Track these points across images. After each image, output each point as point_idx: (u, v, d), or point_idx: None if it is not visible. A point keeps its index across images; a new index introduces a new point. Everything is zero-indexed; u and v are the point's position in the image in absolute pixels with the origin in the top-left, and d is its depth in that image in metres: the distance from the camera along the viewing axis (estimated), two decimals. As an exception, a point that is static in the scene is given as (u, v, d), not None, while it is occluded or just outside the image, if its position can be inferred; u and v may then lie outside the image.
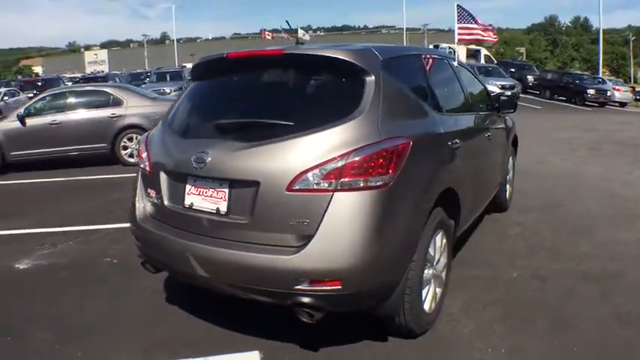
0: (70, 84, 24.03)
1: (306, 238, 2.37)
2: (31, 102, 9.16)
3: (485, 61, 29.85)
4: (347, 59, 2.65)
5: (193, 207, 2.71)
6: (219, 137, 2.76)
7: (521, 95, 20.43)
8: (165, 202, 2.85)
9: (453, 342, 2.89)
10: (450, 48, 33.34)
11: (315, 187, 2.37)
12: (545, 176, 7.24)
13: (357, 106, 2.53)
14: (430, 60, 3.50)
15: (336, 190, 2.35)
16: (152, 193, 2.95)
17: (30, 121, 8.37)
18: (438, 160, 2.94)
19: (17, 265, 4.22)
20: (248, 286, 2.56)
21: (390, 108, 2.63)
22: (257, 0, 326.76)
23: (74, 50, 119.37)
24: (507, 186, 5.37)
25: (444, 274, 3.13)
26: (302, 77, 2.86)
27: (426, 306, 2.89)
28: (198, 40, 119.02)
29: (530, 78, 27.40)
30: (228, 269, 2.56)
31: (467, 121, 3.72)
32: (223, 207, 2.59)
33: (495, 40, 4.84)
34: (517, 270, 3.86)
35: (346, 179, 2.36)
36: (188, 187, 2.73)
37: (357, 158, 2.37)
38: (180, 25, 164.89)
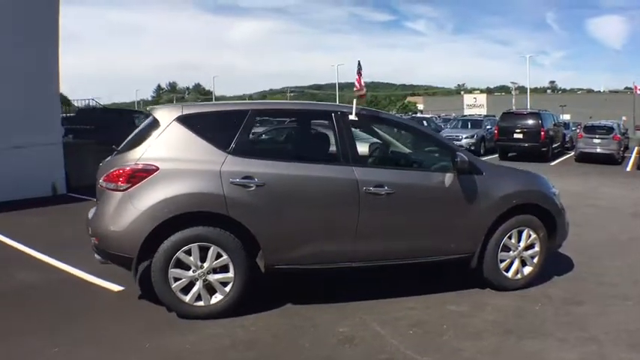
0: (441, 123, 29.77)
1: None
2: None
3: None
4: (152, 114, 4.15)
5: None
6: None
7: None
8: None
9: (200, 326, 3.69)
10: None
11: (101, 184, 3.95)
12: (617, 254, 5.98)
13: (141, 142, 3.95)
14: (263, 114, 4.48)
15: (105, 188, 3.89)
16: None
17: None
18: (201, 187, 3.81)
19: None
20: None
21: (162, 146, 3.91)
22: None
23: (459, 92, 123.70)
24: (510, 262, 4.68)
25: (228, 286, 3.88)
26: (148, 124, 4.29)
27: (190, 299, 3.85)
28: (578, 92, 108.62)
29: None
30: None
31: (302, 169, 4.07)
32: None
33: (361, 95, 4.36)
34: (349, 330, 3.84)
35: (108, 183, 3.87)
36: None
37: (113, 171, 3.85)
38: (577, 75, 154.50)
